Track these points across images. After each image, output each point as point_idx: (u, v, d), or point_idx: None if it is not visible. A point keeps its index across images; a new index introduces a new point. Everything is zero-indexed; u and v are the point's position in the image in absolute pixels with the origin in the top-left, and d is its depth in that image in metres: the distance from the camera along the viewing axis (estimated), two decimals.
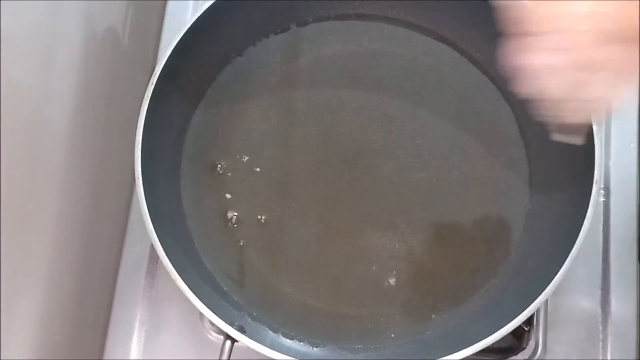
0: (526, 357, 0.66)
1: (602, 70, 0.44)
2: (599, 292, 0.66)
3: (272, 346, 0.55)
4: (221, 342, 0.56)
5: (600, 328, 0.66)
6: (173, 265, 0.56)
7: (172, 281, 0.55)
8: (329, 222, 0.65)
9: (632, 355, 0.65)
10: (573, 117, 0.49)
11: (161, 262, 0.56)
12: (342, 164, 0.67)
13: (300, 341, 0.61)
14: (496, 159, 0.66)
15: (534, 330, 0.66)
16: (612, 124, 0.71)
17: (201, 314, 0.59)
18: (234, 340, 0.56)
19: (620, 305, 0.66)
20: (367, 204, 0.65)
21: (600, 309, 0.66)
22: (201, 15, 0.61)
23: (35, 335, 0.57)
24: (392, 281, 0.63)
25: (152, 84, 0.60)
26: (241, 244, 0.64)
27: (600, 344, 0.65)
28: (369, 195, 0.65)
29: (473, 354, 0.54)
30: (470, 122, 0.67)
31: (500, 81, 0.67)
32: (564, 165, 0.63)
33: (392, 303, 0.63)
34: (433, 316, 0.62)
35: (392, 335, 0.62)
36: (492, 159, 0.66)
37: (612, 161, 0.70)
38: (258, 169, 0.66)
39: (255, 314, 0.62)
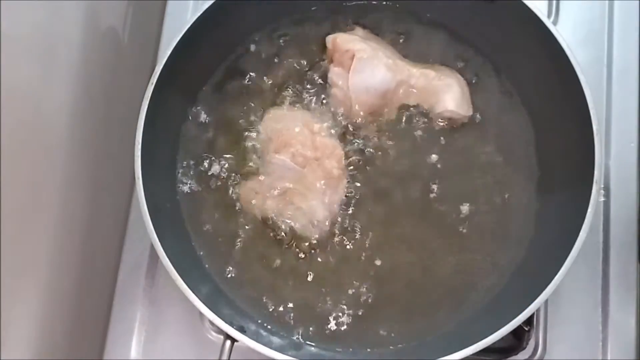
0: (526, 357, 0.66)
1: None
2: (599, 292, 0.66)
3: (271, 346, 0.55)
4: (221, 342, 0.56)
5: (600, 328, 0.66)
6: (173, 265, 0.56)
7: (172, 281, 0.55)
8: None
9: (632, 355, 0.65)
10: None
11: (161, 262, 0.56)
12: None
13: (300, 341, 0.61)
14: (507, 160, 0.66)
15: (534, 330, 0.66)
16: (612, 124, 0.71)
17: (201, 314, 0.59)
18: (234, 340, 0.56)
19: (620, 305, 0.66)
20: (371, 202, 0.65)
21: (600, 309, 0.66)
22: (201, 15, 0.61)
23: (35, 335, 0.57)
24: (393, 281, 0.63)
25: (152, 84, 0.60)
26: (240, 243, 0.64)
27: (600, 344, 0.65)
28: (373, 193, 0.65)
29: (473, 354, 0.54)
30: (484, 125, 0.67)
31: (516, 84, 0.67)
32: (565, 165, 0.63)
33: (393, 303, 0.63)
34: (433, 316, 0.62)
35: (392, 335, 0.62)
36: (502, 160, 0.66)
37: (612, 161, 0.70)
38: (255, 168, 0.66)
39: (254, 314, 0.62)
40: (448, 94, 0.65)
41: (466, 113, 0.66)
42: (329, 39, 0.67)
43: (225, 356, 0.56)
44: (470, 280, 0.63)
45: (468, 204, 0.64)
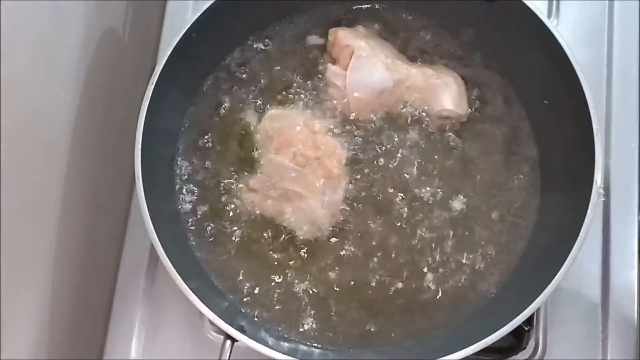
0: (526, 357, 0.66)
1: None
2: (599, 292, 0.67)
3: (271, 346, 0.55)
4: (221, 342, 0.56)
5: (600, 328, 0.66)
6: (173, 265, 0.56)
7: (172, 281, 0.55)
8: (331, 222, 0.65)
9: (632, 355, 0.65)
10: None
11: (161, 262, 0.56)
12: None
13: (300, 341, 0.61)
14: (506, 159, 0.66)
15: (534, 330, 0.66)
16: (612, 124, 0.71)
17: (201, 314, 0.59)
18: (234, 340, 0.56)
19: (620, 305, 0.66)
20: (370, 201, 0.65)
21: (600, 309, 0.66)
22: (201, 15, 0.61)
23: (35, 335, 0.57)
24: (393, 282, 0.63)
25: (152, 84, 0.60)
26: (239, 243, 0.64)
27: (600, 344, 0.65)
28: (372, 192, 0.65)
29: (473, 354, 0.54)
30: (483, 125, 0.67)
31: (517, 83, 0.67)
32: (565, 165, 0.63)
33: (393, 303, 0.63)
34: (433, 316, 0.62)
35: (392, 335, 0.62)
36: (501, 159, 0.66)
37: (612, 161, 0.70)
38: (255, 167, 0.66)
39: (254, 314, 0.62)
40: (446, 93, 0.65)
41: (464, 112, 0.66)
42: (331, 32, 0.67)
43: (225, 356, 0.56)
44: (470, 280, 0.63)
45: (467, 204, 0.64)
